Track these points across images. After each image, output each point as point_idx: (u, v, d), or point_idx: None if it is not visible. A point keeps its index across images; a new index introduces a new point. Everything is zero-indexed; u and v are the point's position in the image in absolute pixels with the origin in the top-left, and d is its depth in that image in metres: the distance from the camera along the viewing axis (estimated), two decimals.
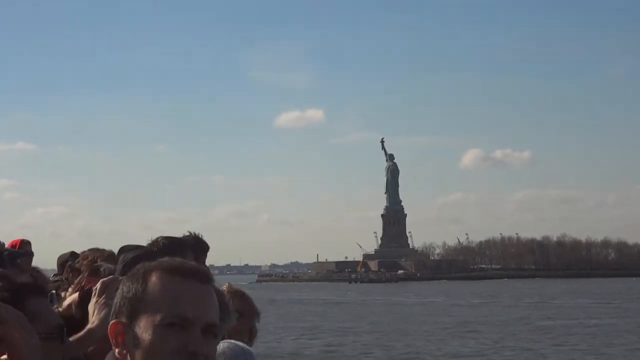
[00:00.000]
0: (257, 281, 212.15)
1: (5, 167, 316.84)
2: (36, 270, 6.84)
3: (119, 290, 2.73)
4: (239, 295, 5.54)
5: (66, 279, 6.79)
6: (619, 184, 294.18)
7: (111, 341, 2.68)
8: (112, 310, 2.74)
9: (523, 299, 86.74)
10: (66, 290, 6.38)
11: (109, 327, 2.70)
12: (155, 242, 5.52)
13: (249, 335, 5.33)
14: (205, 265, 5.74)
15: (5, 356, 2.39)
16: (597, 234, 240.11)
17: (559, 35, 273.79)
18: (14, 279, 3.05)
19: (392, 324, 53.64)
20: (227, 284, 5.68)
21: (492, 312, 65.99)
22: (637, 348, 37.66)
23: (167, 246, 5.36)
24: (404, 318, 59.85)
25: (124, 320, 2.65)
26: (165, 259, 2.87)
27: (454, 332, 47.02)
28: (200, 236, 6.09)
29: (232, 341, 4.40)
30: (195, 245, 5.83)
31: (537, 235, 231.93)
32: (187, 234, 6.03)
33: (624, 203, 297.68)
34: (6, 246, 8.76)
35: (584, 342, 39.97)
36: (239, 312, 5.12)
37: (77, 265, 6.60)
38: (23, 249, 8.92)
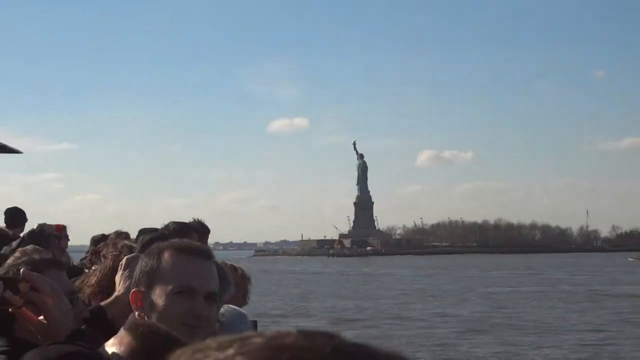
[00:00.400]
0: (254, 255, 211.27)
1: (54, 163, 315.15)
2: (59, 250, 7.12)
3: (138, 265, 2.91)
4: (233, 269, 5.61)
5: (89, 260, 6.58)
6: (543, 179, 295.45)
7: (132, 306, 2.83)
8: (133, 281, 2.92)
9: (470, 270, 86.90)
10: (89, 267, 6.21)
11: (131, 294, 2.84)
12: (166, 226, 5.63)
13: (243, 300, 5.44)
14: (207, 245, 5.86)
15: (42, 317, 2.46)
16: (526, 219, 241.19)
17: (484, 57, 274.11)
18: (33, 254, 3.12)
19: (368, 291, 53.51)
20: (222, 261, 5.53)
21: (445, 281, 66.01)
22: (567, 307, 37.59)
23: (176, 229, 5.49)
24: (378, 285, 59.84)
25: (142, 289, 2.82)
26: (175, 239, 3.17)
27: (417, 297, 46.82)
28: (202, 221, 6.23)
29: (230, 305, 4.56)
30: (199, 229, 5.94)
31: (478, 219, 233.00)
32: (192, 219, 6.12)
33: (547, 194, 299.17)
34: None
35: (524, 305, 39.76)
36: (235, 283, 5.20)
37: (99, 248, 6.35)
38: (62, 232, 8.76)
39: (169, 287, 2.81)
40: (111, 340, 2.26)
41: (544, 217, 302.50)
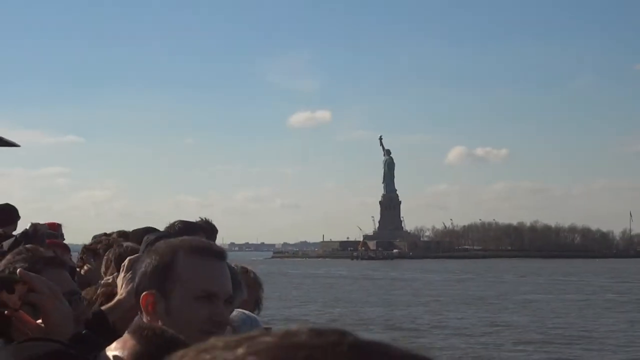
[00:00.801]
0: (272, 257, 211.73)
1: (58, 156, 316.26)
2: (63, 247, 7.16)
3: (145, 264, 2.86)
4: (244, 271, 5.52)
5: (81, 258, 6.48)
6: (581, 179, 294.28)
7: (142, 309, 2.80)
8: (138, 282, 2.87)
9: (505, 275, 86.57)
10: (80, 267, 6.23)
11: (142, 297, 2.80)
12: (172, 226, 5.56)
13: (255, 305, 5.37)
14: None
15: (40, 320, 2.46)
16: (563, 221, 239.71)
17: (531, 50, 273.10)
18: (34, 253, 3.13)
19: (395, 296, 53.46)
20: (234, 264, 5.57)
21: (479, 286, 65.84)
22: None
23: (182, 229, 5.37)
24: (407, 291, 59.72)
25: (154, 292, 2.78)
26: (187, 237, 3.12)
27: (449, 303, 46.75)
28: (210, 221, 6.12)
29: (240, 310, 4.52)
30: (206, 228, 5.84)
31: (513, 221, 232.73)
32: (199, 219, 6.03)
33: (585, 195, 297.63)
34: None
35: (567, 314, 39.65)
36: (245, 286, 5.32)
37: (92, 246, 6.34)
38: (57, 231, 8.82)
39: (189, 292, 2.79)
40: (114, 344, 2.28)
41: (583, 220, 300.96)
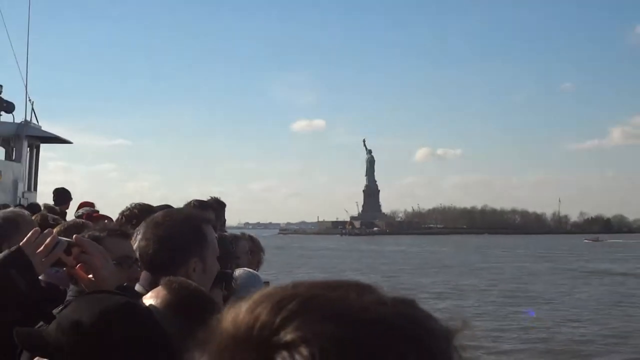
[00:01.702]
0: (278, 234, 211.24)
1: (110, 155, 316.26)
2: (103, 218, 6.62)
3: (174, 235, 2.89)
4: (250, 239, 5.67)
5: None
6: (518, 173, 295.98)
7: (186, 273, 2.76)
8: (171, 250, 2.87)
9: (467, 248, 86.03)
10: None
11: (190, 263, 2.85)
12: (189, 203, 5.44)
13: (257, 265, 5.48)
14: (224, 218, 5.84)
15: (91, 275, 2.52)
16: (506, 205, 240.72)
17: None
18: (99, 225, 3.16)
19: (380, 264, 52.72)
20: (241, 233, 5.83)
21: (448, 256, 65.22)
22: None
23: (196, 206, 5.28)
24: (386, 259, 59.01)
25: (197, 258, 2.88)
26: (192, 212, 3.40)
27: (433, 270, 46.06)
28: (218, 198, 5.99)
29: (245, 269, 4.58)
30: (215, 206, 5.74)
31: (467, 205, 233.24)
32: (209, 197, 5.90)
33: (521, 185, 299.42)
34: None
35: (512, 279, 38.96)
36: (250, 250, 5.41)
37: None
38: (93, 207, 8.64)
39: (214, 253, 2.92)
40: (149, 294, 2.26)
41: (521, 204, 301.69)
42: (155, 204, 4.78)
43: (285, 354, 0.68)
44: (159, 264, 2.79)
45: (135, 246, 2.93)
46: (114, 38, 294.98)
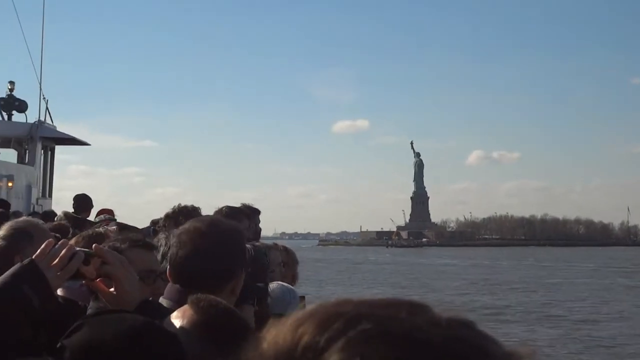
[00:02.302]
0: (318, 245, 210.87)
1: (136, 158, 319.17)
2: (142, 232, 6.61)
3: (228, 251, 2.86)
4: (285, 250, 5.63)
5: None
6: (582, 177, 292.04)
7: (230, 292, 2.79)
8: (227, 267, 2.85)
9: (524, 261, 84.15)
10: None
11: (234, 281, 2.84)
12: (220, 210, 5.44)
13: (292, 278, 5.44)
14: (259, 226, 5.96)
15: (113, 288, 2.52)
16: (565, 214, 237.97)
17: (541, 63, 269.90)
18: (124, 235, 3.20)
19: (432, 280, 51.46)
20: (273, 243, 5.68)
21: (505, 271, 63.60)
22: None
23: (228, 213, 5.30)
24: (438, 275, 57.68)
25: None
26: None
27: (481, 287, 44.68)
28: (251, 205, 6.01)
29: (280, 282, 4.58)
30: (248, 213, 5.72)
31: (524, 214, 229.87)
32: (241, 204, 5.90)
33: (584, 192, 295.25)
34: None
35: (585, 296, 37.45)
36: (284, 263, 5.37)
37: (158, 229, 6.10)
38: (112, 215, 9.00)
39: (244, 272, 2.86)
40: (175, 313, 2.22)
41: (585, 213, 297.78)
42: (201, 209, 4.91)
43: None
44: (196, 279, 2.68)
45: (161, 253, 2.90)
46: (143, 35, 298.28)
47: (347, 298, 0.76)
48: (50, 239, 2.57)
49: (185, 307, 2.21)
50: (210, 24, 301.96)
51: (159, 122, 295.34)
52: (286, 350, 0.71)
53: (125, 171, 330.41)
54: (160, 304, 2.63)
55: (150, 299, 2.61)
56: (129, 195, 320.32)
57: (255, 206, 6.10)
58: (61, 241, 2.56)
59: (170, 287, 2.78)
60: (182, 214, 5.76)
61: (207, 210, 5.70)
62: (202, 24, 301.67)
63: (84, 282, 2.60)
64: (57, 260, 2.46)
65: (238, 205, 5.88)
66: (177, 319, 2.17)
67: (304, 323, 0.72)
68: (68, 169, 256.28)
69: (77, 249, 2.56)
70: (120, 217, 8.36)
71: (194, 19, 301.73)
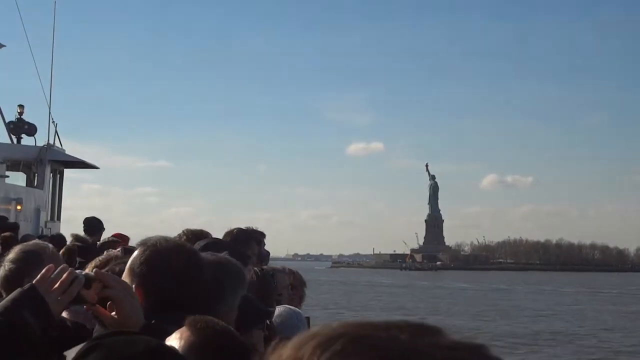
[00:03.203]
0: (331, 267, 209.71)
1: (150, 178, 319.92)
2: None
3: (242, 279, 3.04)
4: (292, 273, 5.64)
5: None
6: (596, 202, 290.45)
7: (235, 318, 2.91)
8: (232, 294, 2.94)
9: (543, 287, 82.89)
10: None
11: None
12: (230, 232, 5.43)
13: (299, 300, 5.49)
14: (265, 250, 5.88)
15: (114, 312, 2.50)
16: (578, 239, 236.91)
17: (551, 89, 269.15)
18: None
19: (457, 306, 50.42)
20: (281, 266, 5.67)
21: (522, 296, 62.44)
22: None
23: (237, 236, 5.32)
24: (465, 301, 56.59)
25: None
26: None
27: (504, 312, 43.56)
28: (258, 229, 5.90)
29: (286, 306, 4.68)
30: (257, 237, 5.69)
31: (538, 238, 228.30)
32: (250, 228, 5.82)
33: (598, 217, 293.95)
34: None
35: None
36: (292, 285, 5.44)
37: None
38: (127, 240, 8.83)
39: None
40: (173, 335, 2.21)
41: (599, 238, 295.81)
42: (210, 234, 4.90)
43: None
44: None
45: None
46: (158, 56, 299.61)
47: (350, 320, 0.76)
48: (50, 265, 2.57)
49: (183, 328, 2.20)
50: (224, 46, 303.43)
51: (174, 142, 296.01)
52: None
53: (140, 191, 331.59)
54: (163, 327, 2.51)
55: (153, 322, 2.56)
56: (143, 214, 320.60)
57: (260, 229, 6.12)
58: (61, 266, 2.56)
59: None
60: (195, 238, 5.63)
61: (222, 231, 5.63)
62: (216, 45, 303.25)
63: (85, 306, 2.59)
64: (57, 284, 2.47)
65: (243, 227, 5.83)
66: (174, 340, 2.15)
67: (306, 344, 0.74)
68: (81, 187, 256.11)
69: (78, 272, 2.57)
70: (135, 237, 7.87)
71: (207, 41, 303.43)
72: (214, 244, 4.50)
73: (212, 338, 2.14)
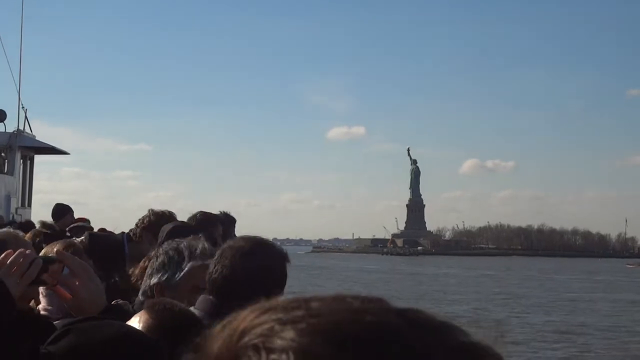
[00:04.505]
0: (312, 252, 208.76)
1: (130, 161, 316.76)
2: None
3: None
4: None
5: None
6: (577, 187, 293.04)
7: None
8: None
9: (524, 272, 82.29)
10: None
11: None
12: (193, 216, 5.32)
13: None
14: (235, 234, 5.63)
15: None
16: (558, 224, 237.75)
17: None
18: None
19: (440, 293, 49.44)
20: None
21: (512, 281, 61.67)
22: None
23: (201, 220, 5.19)
24: (450, 286, 55.65)
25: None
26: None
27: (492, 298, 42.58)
28: (228, 213, 5.85)
29: None
30: (224, 220, 5.58)
31: (519, 223, 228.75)
32: (219, 212, 5.74)
33: (579, 202, 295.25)
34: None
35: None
36: None
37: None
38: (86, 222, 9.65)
39: None
40: (132, 319, 2.22)
41: (580, 224, 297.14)
42: (177, 215, 5.06)
43: (251, 353, 0.71)
44: (231, 296, 2.76)
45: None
46: (138, 38, 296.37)
47: (310, 295, 0.78)
48: (9, 250, 2.60)
49: (142, 311, 2.24)
50: (205, 28, 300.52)
51: (154, 125, 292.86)
52: (240, 332, 0.74)
53: (119, 174, 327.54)
54: (123, 310, 2.61)
55: (114, 302, 2.57)
56: (122, 198, 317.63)
57: (232, 214, 5.94)
58: (19, 250, 2.59)
59: (203, 298, 2.90)
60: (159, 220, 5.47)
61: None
62: (197, 26, 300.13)
63: (45, 287, 2.65)
64: (15, 267, 2.51)
65: (218, 211, 5.73)
66: (134, 324, 2.16)
67: (267, 311, 0.76)
68: (61, 171, 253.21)
69: (36, 255, 2.59)
70: (113, 220, 6.83)
71: (189, 21, 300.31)
72: (182, 228, 4.40)
73: (170, 320, 2.17)
